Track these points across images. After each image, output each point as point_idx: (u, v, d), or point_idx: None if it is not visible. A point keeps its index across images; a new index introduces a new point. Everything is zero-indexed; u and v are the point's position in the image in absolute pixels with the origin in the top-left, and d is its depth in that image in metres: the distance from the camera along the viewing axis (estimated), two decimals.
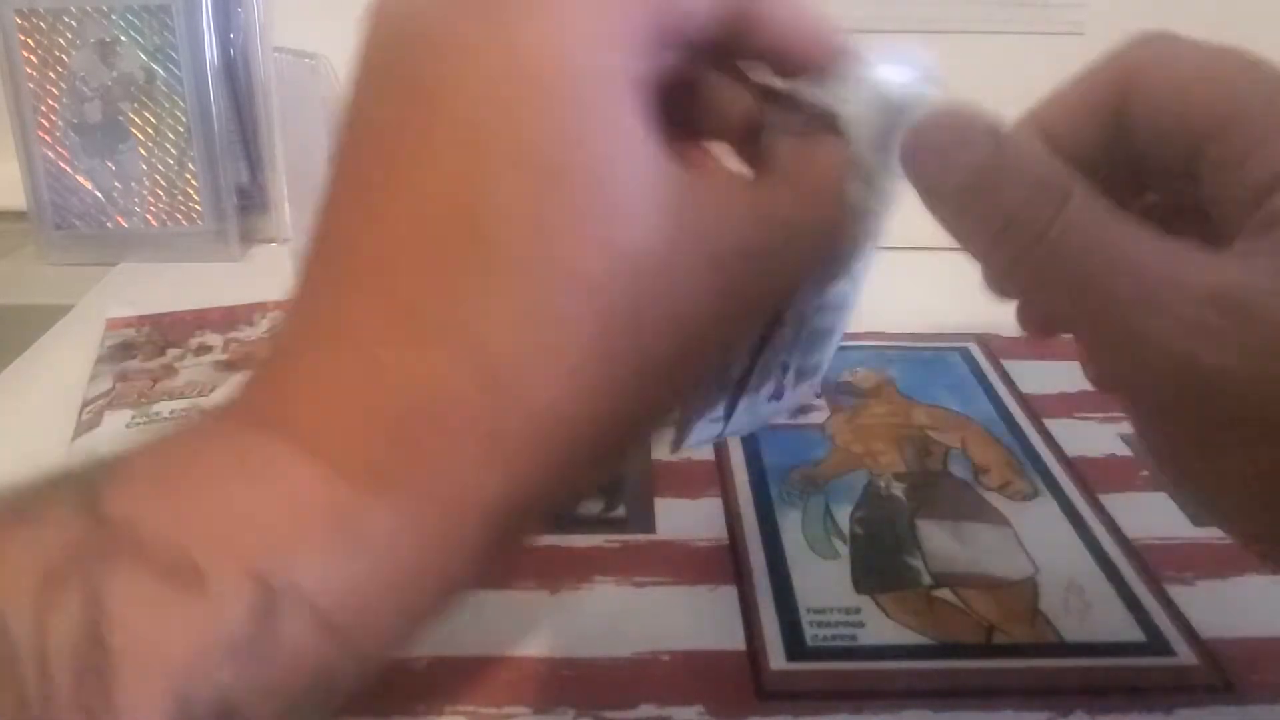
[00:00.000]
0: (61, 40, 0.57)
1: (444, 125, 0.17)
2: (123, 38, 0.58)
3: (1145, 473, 0.33)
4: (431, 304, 0.17)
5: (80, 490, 0.17)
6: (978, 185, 0.20)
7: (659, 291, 0.17)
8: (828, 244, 0.22)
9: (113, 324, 0.51)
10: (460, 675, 0.28)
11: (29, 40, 0.57)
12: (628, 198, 0.17)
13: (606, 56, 0.17)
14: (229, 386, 0.21)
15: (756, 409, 0.25)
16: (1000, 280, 0.22)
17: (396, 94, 0.18)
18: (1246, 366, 0.17)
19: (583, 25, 0.17)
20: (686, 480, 0.38)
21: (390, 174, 0.18)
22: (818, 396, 0.41)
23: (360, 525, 0.17)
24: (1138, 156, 0.23)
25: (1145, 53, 0.23)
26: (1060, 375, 0.44)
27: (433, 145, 0.17)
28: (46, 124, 0.59)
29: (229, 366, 0.47)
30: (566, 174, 0.17)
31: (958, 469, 0.39)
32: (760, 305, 0.21)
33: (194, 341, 0.49)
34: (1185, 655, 0.30)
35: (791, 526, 0.35)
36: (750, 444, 0.40)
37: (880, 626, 0.31)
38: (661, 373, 0.18)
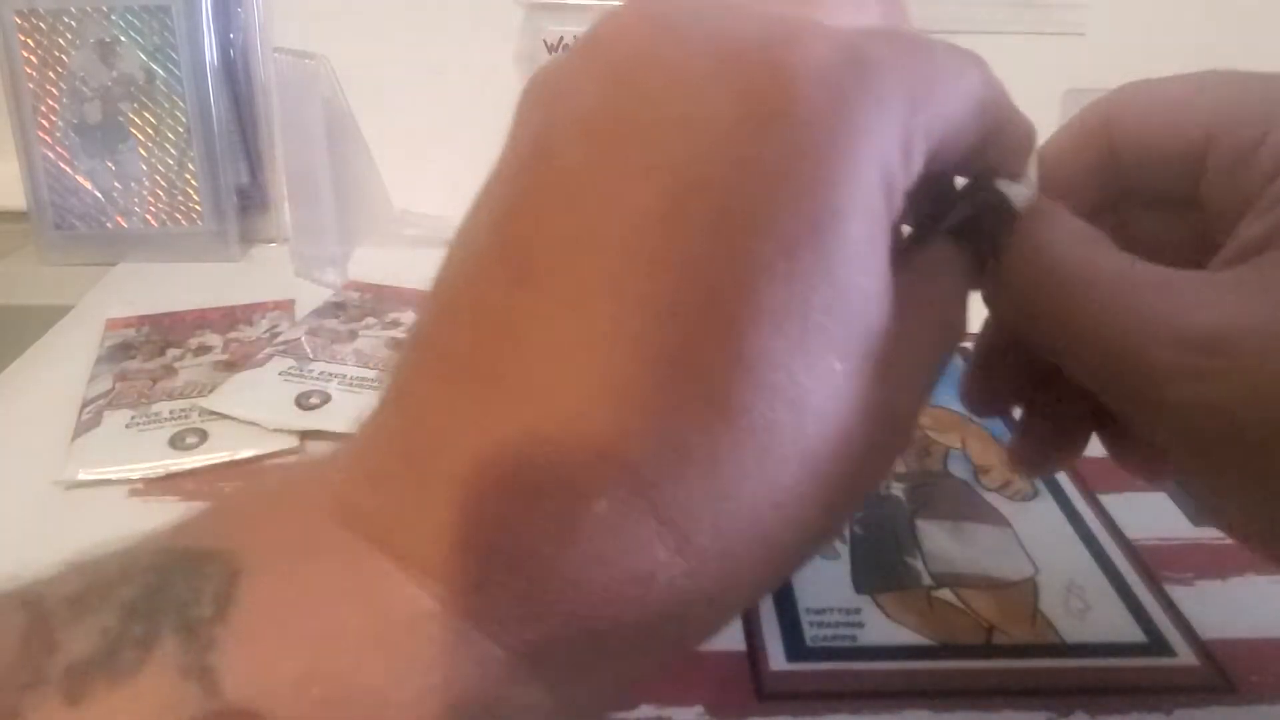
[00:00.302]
0: (61, 40, 0.57)
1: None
2: (122, 38, 0.58)
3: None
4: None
5: (190, 640, 0.14)
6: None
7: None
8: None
9: (112, 324, 0.51)
10: None
11: (29, 40, 0.57)
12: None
13: (875, 197, 0.15)
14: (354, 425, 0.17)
15: None
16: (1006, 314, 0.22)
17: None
18: (1246, 411, 0.17)
19: (859, 150, 0.15)
20: None
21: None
22: None
23: (510, 708, 0.15)
24: (1134, 190, 0.23)
25: (1124, 92, 0.23)
26: None
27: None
28: (46, 124, 0.59)
29: (229, 366, 0.47)
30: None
31: (958, 469, 0.39)
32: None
33: (194, 342, 0.49)
34: (1185, 656, 0.30)
35: None
36: None
37: (880, 627, 0.31)
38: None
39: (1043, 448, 0.25)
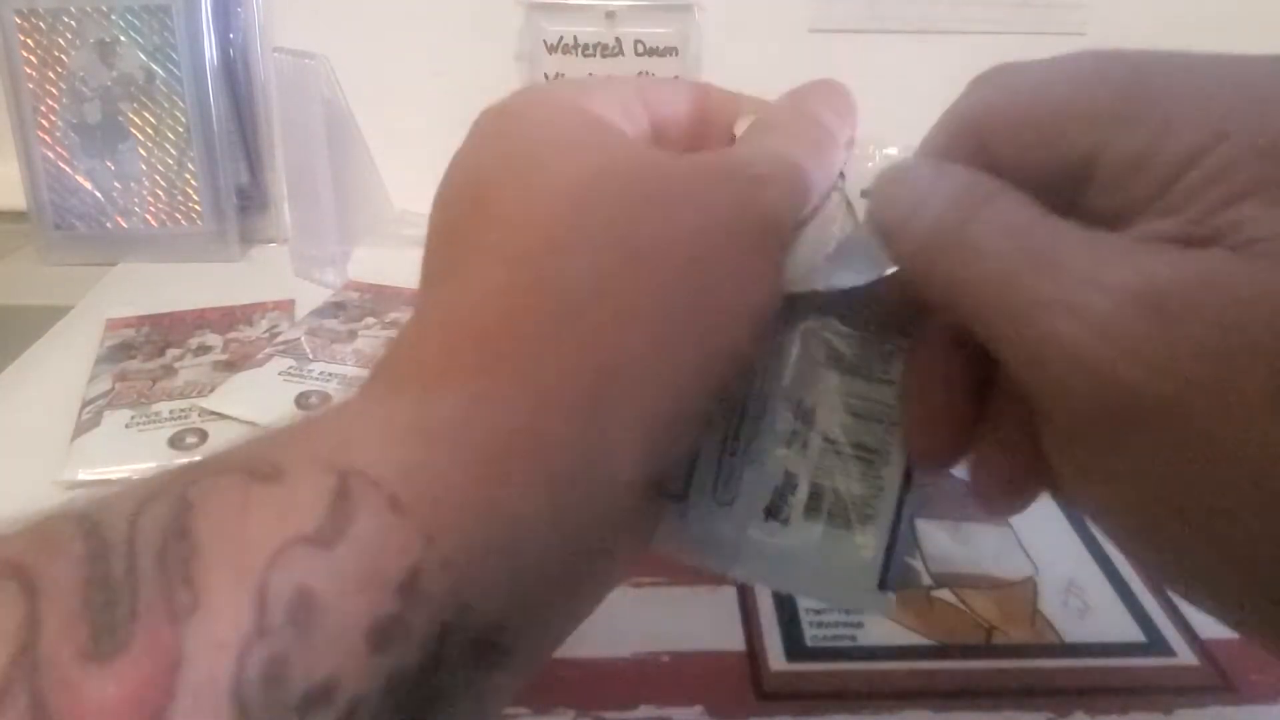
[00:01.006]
0: (61, 40, 0.57)
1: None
2: (122, 38, 0.58)
3: None
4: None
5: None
6: (915, 191, 0.21)
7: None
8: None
9: (112, 324, 0.51)
10: None
11: (29, 40, 0.57)
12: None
13: None
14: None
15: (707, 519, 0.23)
16: (925, 284, 0.21)
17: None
18: (1170, 381, 0.16)
19: None
20: None
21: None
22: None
23: (428, 411, 0.18)
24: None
25: (992, 100, 0.22)
26: None
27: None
28: (46, 124, 0.59)
29: (229, 366, 0.47)
30: None
31: (957, 469, 0.39)
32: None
33: (193, 341, 0.49)
34: (1184, 655, 0.30)
35: None
36: None
37: (880, 627, 0.31)
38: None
39: (998, 486, 0.25)
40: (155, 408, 0.43)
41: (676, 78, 0.27)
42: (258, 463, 0.17)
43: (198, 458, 0.18)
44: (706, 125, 0.27)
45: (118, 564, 0.15)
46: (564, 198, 0.20)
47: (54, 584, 0.15)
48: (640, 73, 0.60)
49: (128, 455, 0.39)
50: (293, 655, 0.15)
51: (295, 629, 0.15)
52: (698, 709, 0.28)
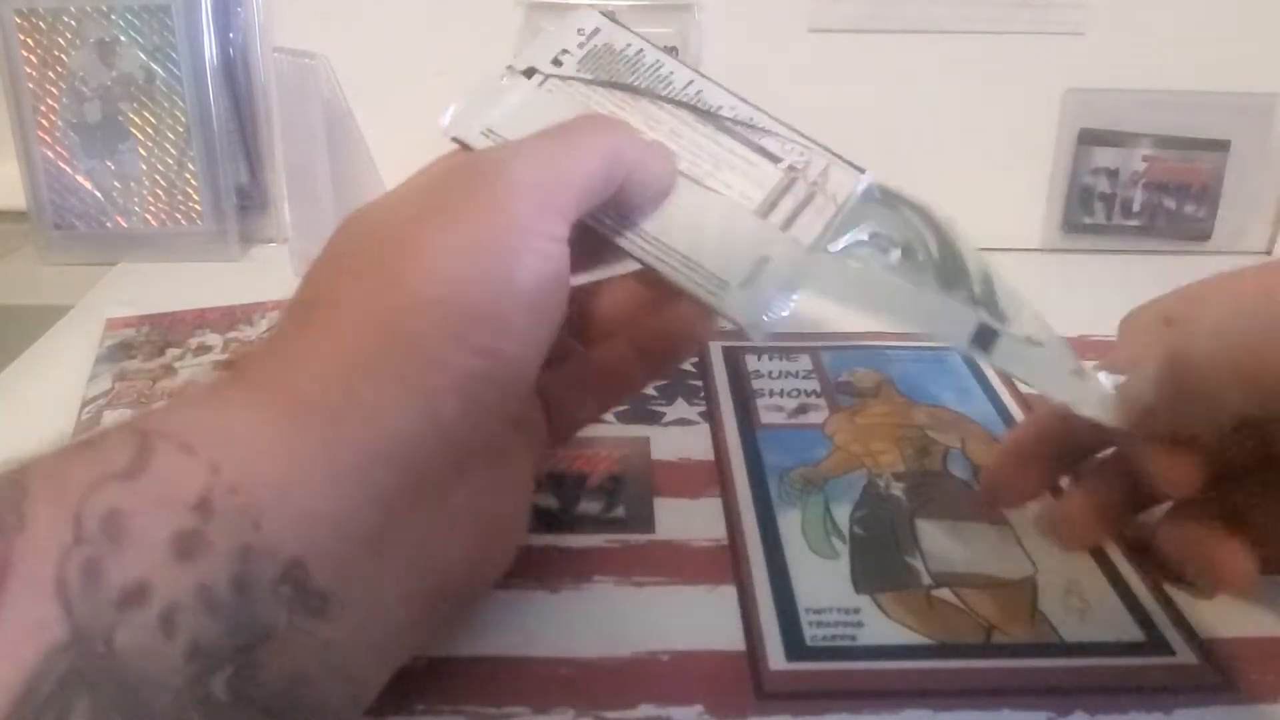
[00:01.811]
0: (61, 40, 0.57)
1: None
2: (122, 37, 0.58)
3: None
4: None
5: None
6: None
7: None
8: None
9: (112, 324, 0.51)
10: (459, 675, 0.29)
11: (28, 40, 0.57)
12: None
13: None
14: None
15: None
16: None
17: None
18: None
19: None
20: (686, 480, 0.38)
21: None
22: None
23: (218, 389, 0.23)
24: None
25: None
26: None
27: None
28: (46, 124, 0.59)
29: (228, 366, 0.46)
30: None
31: (957, 469, 0.39)
32: None
33: (193, 341, 0.49)
34: (1184, 654, 0.30)
35: (791, 526, 0.35)
36: (750, 444, 0.41)
37: (880, 626, 0.31)
38: None
39: (1087, 523, 0.33)
40: (155, 407, 0.43)
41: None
42: (79, 438, 0.21)
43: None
44: None
45: None
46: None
47: None
48: None
49: None
50: (107, 560, 0.18)
51: (108, 539, 0.18)
52: (697, 708, 0.28)
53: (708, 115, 0.32)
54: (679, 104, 0.32)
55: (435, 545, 0.24)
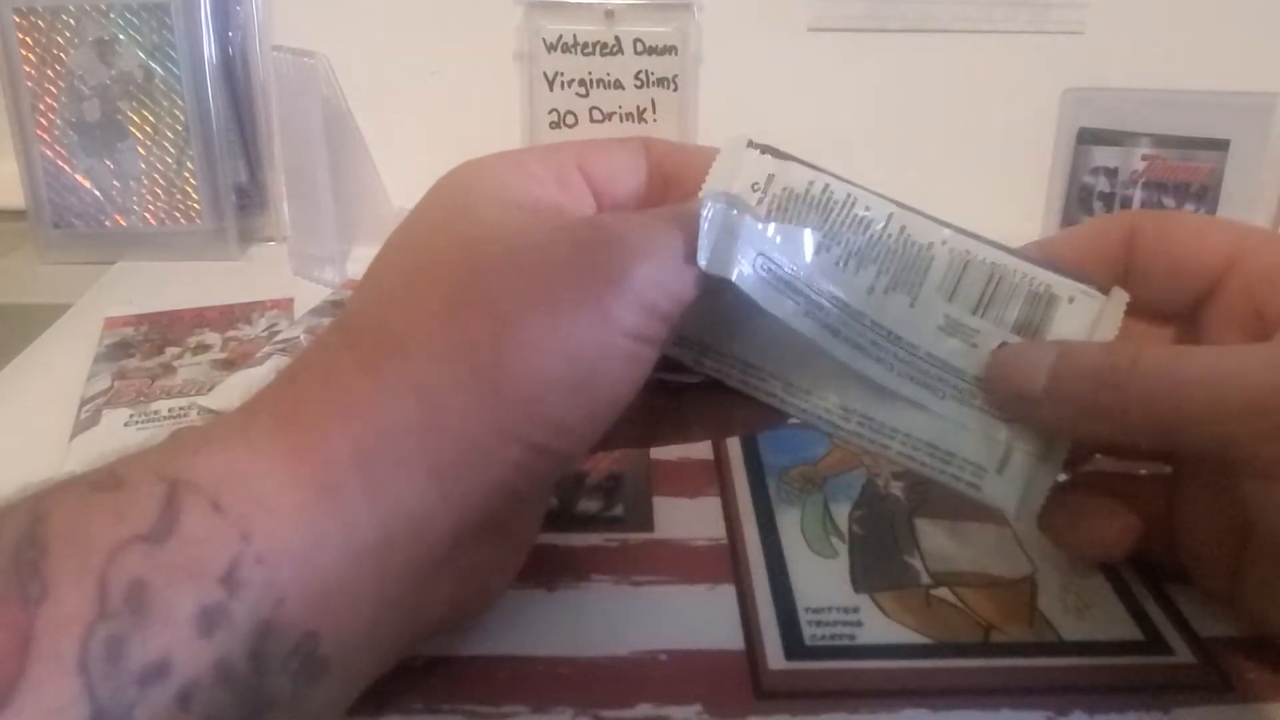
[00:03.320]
0: (60, 39, 0.57)
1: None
2: (121, 36, 0.58)
3: (1143, 471, 0.34)
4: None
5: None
6: (1060, 368, 0.25)
7: None
8: None
9: (111, 323, 0.51)
10: (457, 674, 0.28)
11: (27, 39, 0.57)
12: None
13: None
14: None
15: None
16: (1097, 432, 0.27)
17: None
18: None
19: None
20: (685, 479, 0.38)
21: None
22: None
23: (245, 429, 0.21)
24: (1139, 301, 0.28)
25: (1146, 215, 0.29)
26: None
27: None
28: (45, 123, 0.59)
29: (227, 365, 0.46)
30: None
31: None
32: None
33: (192, 340, 0.49)
34: (1183, 654, 0.30)
35: (790, 525, 0.35)
36: (749, 443, 0.41)
37: (879, 626, 0.31)
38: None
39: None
40: (154, 406, 0.43)
41: (627, 138, 0.30)
42: (100, 475, 0.20)
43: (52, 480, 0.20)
44: (667, 181, 0.29)
45: None
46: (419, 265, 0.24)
47: None
48: (639, 71, 0.60)
49: None
50: (130, 635, 0.17)
51: (132, 613, 0.17)
52: (696, 708, 0.28)
53: (917, 260, 0.28)
54: (886, 250, 0.28)
55: (430, 604, 0.24)
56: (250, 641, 0.19)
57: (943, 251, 0.28)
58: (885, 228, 0.28)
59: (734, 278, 0.25)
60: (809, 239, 0.27)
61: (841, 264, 0.28)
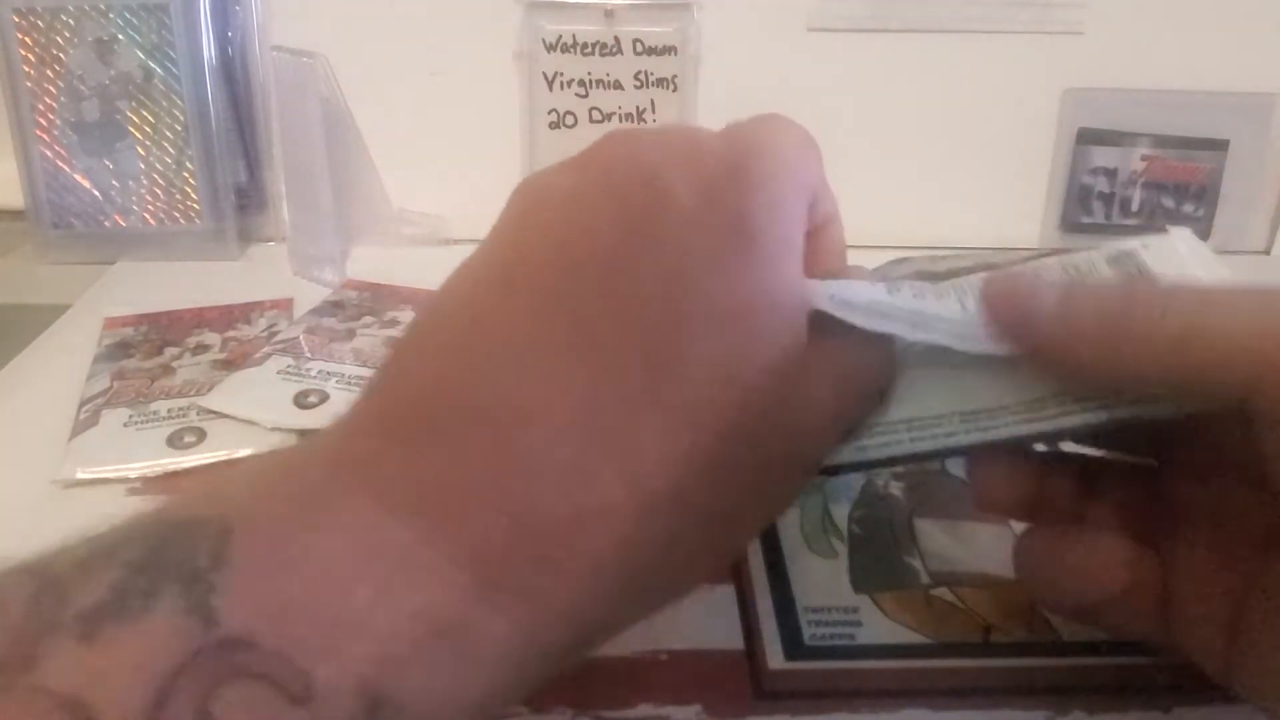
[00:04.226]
0: (59, 39, 0.57)
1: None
2: (120, 36, 0.58)
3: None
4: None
5: (190, 586, 0.16)
6: (1074, 292, 0.22)
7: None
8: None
9: (110, 323, 0.51)
10: None
11: (26, 39, 0.57)
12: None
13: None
14: (343, 408, 0.21)
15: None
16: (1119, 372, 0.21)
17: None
18: None
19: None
20: None
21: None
22: None
23: (477, 633, 0.18)
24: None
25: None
26: None
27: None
28: (44, 122, 0.59)
29: (227, 365, 0.46)
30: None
31: (956, 468, 0.39)
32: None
33: (192, 340, 0.49)
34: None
35: (789, 525, 0.35)
36: None
37: (878, 625, 0.31)
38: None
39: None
40: (153, 406, 0.43)
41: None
42: (290, 676, 0.16)
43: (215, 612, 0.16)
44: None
45: None
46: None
47: None
48: (639, 71, 0.60)
49: (126, 454, 0.39)
50: None
51: None
52: (695, 708, 0.28)
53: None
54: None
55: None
56: None
57: None
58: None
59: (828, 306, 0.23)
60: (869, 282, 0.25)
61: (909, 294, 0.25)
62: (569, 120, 0.61)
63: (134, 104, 0.59)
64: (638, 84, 0.60)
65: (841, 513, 0.36)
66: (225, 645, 0.15)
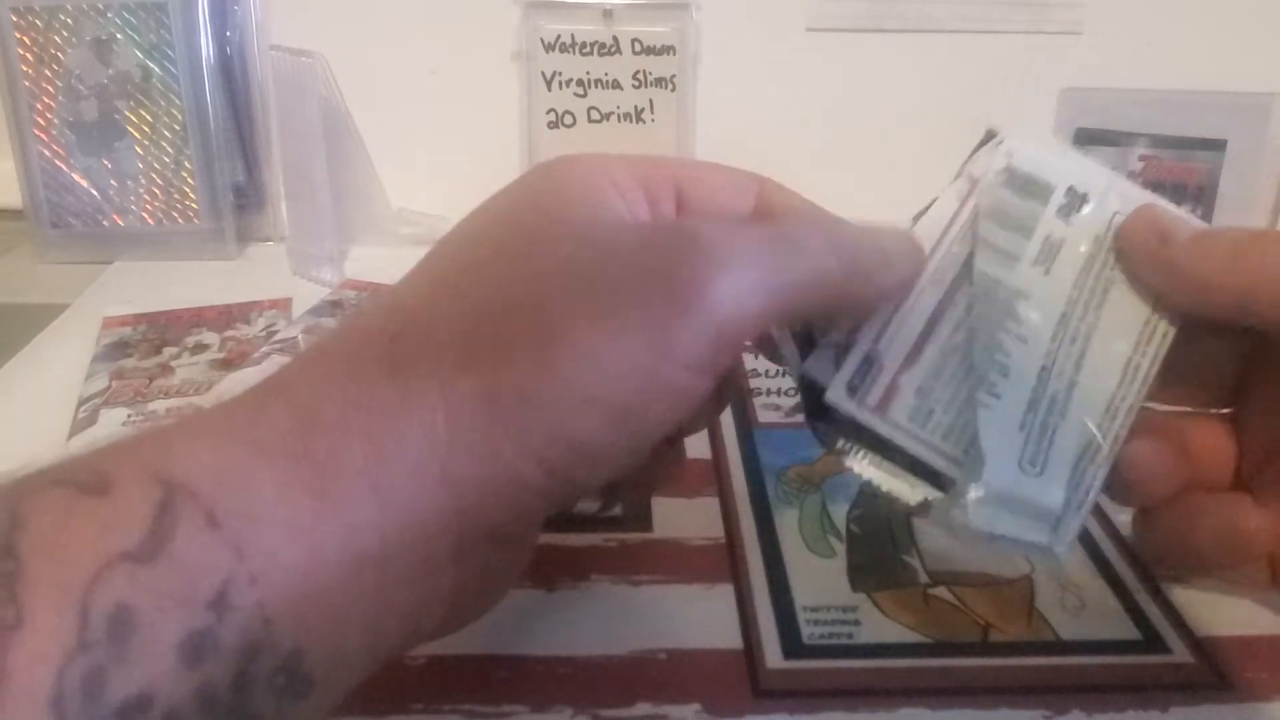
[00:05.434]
0: (57, 38, 0.57)
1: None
2: (119, 35, 0.58)
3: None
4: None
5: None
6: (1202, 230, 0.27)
7: None
8: None
9: (109, 322, 0.51)
10: (457, 674, 0.28)
11: (25, 38, 0.57)
12: None
13: None
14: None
15: None
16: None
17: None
18: None
19: None
20: (684, 479, 0.38)
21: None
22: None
23: (254, 422, 0.20)
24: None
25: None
26: None
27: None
28: (43, 122, 0.59)
29: (225, 365, 0.46)
30: None
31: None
32: None
33: (190, 340, 0.49)
34: (1180, 653, 0.30)
35: (788, 525, 0.35)
36: (747, 443, 0.41)
37: (877, 625, 0.31)
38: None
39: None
40: (152, 406, 0.43)
41: (739, 170, 0.27)
42: (86, 474, 0.18)
43: (36, 466, 0.19)
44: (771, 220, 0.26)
45: None
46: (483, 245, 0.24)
47: None
48: (637, 71, 0.60)
49: None
50: (110, 668, 0.16)
51: (113, 644, 0.16)
52: (694, 707, 0.28)
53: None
54: None
55: (427, 612, 0.22)
56: (235, 665, 0.17)
57: None
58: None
59: None
60: None
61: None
62: (567, 120, 0.61)
63: (132, 103, 0.59)
64: (636, 84, 0.60)
65: (840, 512, 0.36)
66: (46, 464, 0.19)
